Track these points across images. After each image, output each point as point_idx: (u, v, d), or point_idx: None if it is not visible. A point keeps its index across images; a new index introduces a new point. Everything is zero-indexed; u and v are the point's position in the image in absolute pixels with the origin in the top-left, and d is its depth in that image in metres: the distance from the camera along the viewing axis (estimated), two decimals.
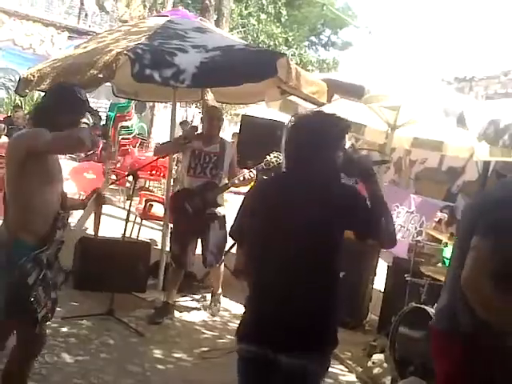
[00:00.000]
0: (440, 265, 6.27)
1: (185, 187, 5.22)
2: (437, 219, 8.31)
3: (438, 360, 2.34)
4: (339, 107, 5.87)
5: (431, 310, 4.15)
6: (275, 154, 4.84)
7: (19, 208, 2.78)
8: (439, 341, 2.33)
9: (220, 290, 5.52)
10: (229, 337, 4.70)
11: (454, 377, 2.19)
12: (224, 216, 5.18)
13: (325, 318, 2.30)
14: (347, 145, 2.50)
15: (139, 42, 4.38)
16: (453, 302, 2.24)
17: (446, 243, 6.36)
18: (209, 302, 5.50)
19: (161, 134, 15.08)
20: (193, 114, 14.65)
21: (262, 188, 2.68)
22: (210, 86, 5.34)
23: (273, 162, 4.83)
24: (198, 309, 5.46)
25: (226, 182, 5.14)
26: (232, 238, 2.97)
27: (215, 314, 5.37)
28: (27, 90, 4.88)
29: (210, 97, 7.63)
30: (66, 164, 6.80)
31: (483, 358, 2.09)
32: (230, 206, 6.09)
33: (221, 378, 3.90)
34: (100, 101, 15.28)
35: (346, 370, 4.52)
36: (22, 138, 2.83)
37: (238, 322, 2.48)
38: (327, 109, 5.56)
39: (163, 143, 5.91)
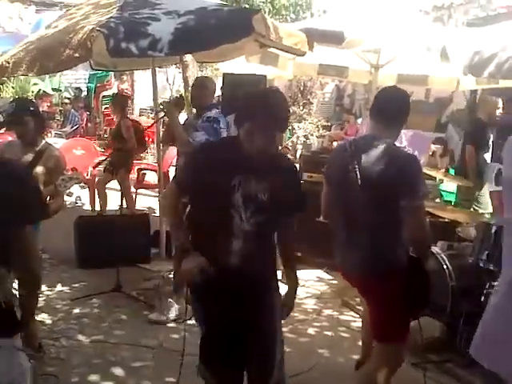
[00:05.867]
0: (438, 200, 6.33)
1: None
2: (431, 152, 8.34)
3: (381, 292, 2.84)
4: (320, 53, 5.78)
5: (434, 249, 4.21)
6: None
7: None
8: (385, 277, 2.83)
9: None
10: None
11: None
12: None
13: None
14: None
15: (110, 15, 4.25)
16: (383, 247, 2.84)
17: (442, 179, 6.39)
18: None
19: (143, 98, 14.87)
20: (173, 75, 14.36)
21: None
22: (188, 51, 5.24)
23: None
24: None
25: None
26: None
27: None
28: (4, 78, 4.76)
29: (189, 58, 7.49)
30: (54, 142, 6.67)
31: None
32: None
33: None
34: (78, 73, 14.99)
35: (357, 316, 4.59)
36: None
37: None
38: (309, 57, 5.53)
39: None
